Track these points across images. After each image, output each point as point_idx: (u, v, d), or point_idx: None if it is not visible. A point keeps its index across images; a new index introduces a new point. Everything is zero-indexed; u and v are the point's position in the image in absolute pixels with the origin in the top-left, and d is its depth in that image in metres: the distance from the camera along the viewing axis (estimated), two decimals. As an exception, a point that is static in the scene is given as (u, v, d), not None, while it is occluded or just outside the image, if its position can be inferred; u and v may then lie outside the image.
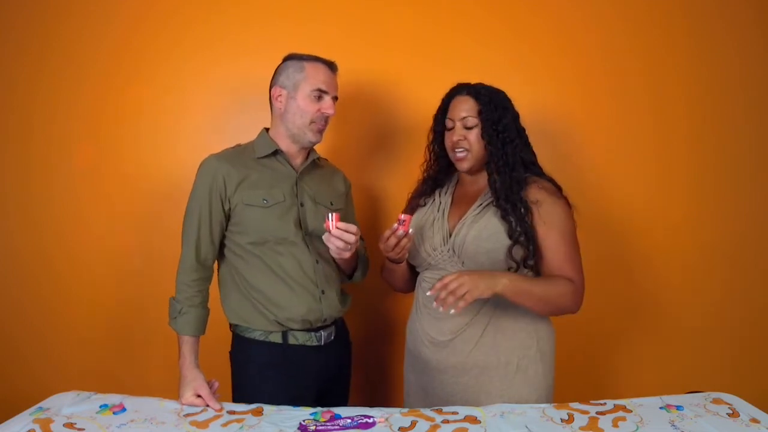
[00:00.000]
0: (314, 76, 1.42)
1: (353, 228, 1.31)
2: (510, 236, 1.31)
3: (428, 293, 1.25)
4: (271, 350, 1.44)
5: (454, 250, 1.36)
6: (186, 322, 1.41)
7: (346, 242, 1.30)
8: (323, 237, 1.33)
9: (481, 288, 1.20)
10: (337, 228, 1.29)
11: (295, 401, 1.34)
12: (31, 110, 1.97)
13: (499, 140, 1.36)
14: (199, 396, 1.33)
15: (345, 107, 1.89)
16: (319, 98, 1.42)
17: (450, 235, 1.38)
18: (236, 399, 1.47)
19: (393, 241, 1.32)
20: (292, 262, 1.42)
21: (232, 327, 1.50)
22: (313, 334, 1.45)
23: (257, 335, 1.44)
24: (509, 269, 1.32)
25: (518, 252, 1.32)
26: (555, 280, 1.32)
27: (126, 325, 2.02)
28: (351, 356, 1.63)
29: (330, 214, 1.30)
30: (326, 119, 1.45)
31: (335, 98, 1.46)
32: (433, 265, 1.42)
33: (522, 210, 1.32)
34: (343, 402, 1.55)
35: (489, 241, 1.32)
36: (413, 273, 1.53)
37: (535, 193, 1.35)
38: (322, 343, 1.47)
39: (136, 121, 1.96)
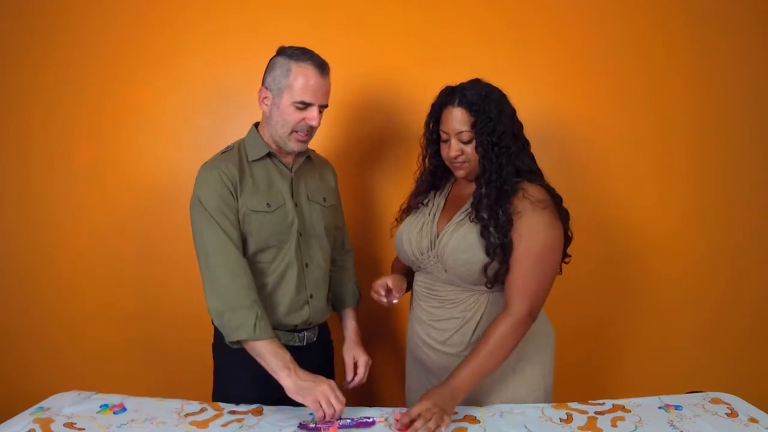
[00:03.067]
0: (299, 84, 1.31)
1: None
2: (487, 253, 1.24)
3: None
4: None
5: (438, 257, 1.32)
6: (267, 325, 1.27)
7: None
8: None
9: (449, 413, 1.14)
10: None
11: (273, 399, 1.32)
12: (32, 111, 1.98)
13: (494, 153, 1.26)
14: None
15: (344, 107, 1.89)
16: (304, 108, 1.34)
17: (437, 240, 1.34)
18: (216, 392, 1.47)
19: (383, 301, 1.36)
20: (283, 266, 1.39)
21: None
22: (296, 334, 1.44)
23: None
24: (486, 284, 1.27)
25: (493, 268, 1.25)
26: (490, 334, 1.22)
27: (126, 325, 2.02)
28: (333, 355, 1.61)
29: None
30: (310, 129, 1.36)
31: (324, 106, 1.37)
32: (422, 268, 1.39)
33: (504, 223, 1.24)
34: None
35: (466, 253, 1.27)
36: (410, 273, 1.49)
37: (518, 204, 1.27)
38: (305, 344, 1.45)
39: (137, 121, 1.96)
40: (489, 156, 1.27)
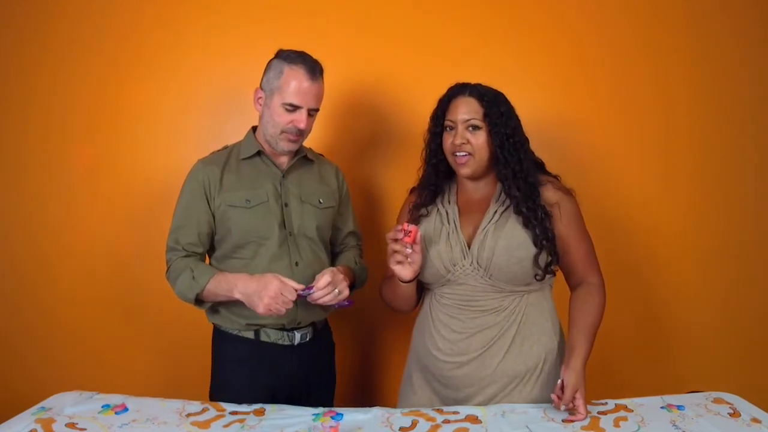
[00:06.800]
0: (289, 87, 1.35)
1: (321, 284, 1.33)
2: (535, 244, 1.27)
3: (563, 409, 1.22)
4: (243, 345, 1.45)
5: (479, 263, 1.29)
6: (205, 270, 1.38)
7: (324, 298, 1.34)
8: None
9: (584, 385, 1.23)
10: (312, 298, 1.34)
11: (267, 398, 1.36)
12: (28, 111, 1.97)
13: (511, 145, 1.29)
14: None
15: (344, 105, 1.89)
16: (293, 110, 1.37)
17: (468, 248, 1.31)
18: (212, 390, 1.48)
19: (399, 256, 1.28)
20: (265, 263, 1.40)
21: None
22: (285, 333, 1.45)
23: (231, 330, 1.46)
24: (535, 276, 1.30)
25: (543, 259, 1.28)
26: (589, 302, 1.32)
27: (125, 326, 2.02)
28: (333, 357, 1.61)
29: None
30: (299, 131, 1.39)
31: (315, 110, 1.40)
32: (452, 281, 1.33)
33: (542, 215, 1.29)
34: (327, 403, 1.50)
35: (520, 250, 1.27)
36: (419, 289, 1.42)
37: (551, 195, 1.33)
38: (295, 344, 1.46)
39: (134, 121, 1.96)
40: (507, 148, 1.30)
